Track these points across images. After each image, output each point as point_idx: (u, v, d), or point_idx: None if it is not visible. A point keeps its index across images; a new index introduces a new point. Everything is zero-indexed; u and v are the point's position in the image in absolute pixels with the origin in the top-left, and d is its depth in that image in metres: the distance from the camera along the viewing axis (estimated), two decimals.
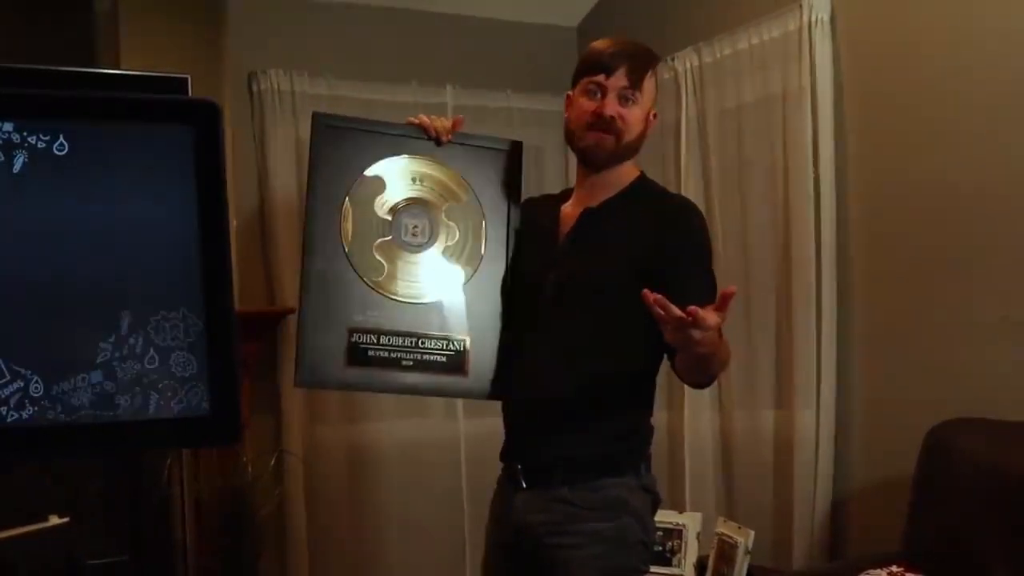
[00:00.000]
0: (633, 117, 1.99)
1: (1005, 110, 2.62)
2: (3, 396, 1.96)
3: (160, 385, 2.06)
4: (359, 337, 2.02)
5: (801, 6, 3.11)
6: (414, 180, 2.12)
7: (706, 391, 3.54)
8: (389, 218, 2.09)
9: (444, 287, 2.09)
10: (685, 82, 3.63)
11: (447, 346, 2.06)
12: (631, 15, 4.01)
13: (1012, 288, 2.61)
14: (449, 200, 2.13)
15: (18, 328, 1.98)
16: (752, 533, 3.03)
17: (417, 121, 2.11)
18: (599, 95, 1.98)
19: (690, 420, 3.59)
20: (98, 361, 2.02)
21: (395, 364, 2.04)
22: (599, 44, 2.03)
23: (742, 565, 3.01)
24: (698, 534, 3.26)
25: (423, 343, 2.05)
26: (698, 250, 1.97)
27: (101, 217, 2.03)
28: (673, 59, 3.67)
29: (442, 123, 2.12)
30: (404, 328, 2.05)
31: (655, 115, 2.07)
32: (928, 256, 2.84)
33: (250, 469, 3.48)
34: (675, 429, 3.65)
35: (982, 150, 2.69)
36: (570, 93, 2.06)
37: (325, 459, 3.77)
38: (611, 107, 1.96)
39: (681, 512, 3.36)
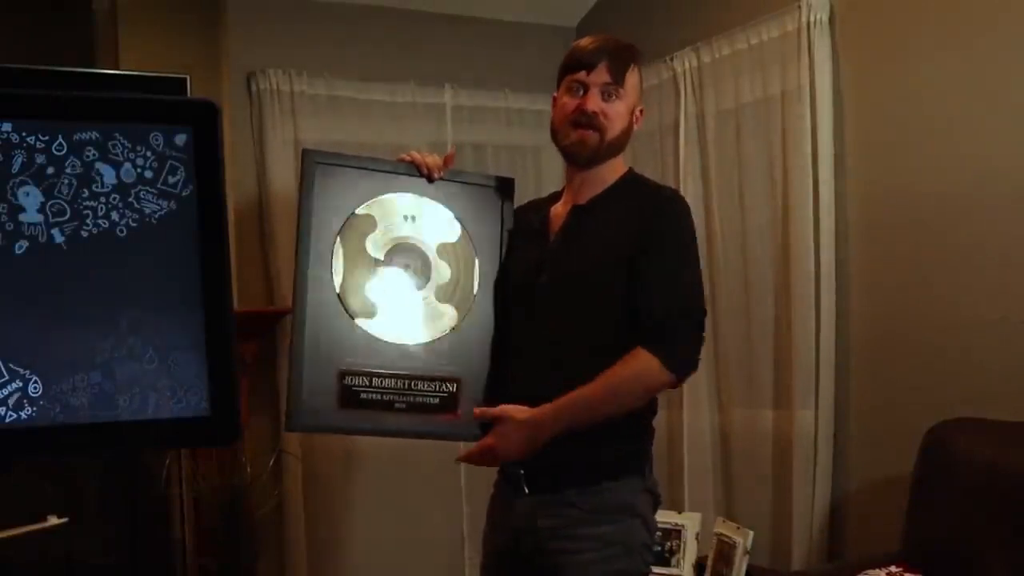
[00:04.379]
0: (616, 112, 1.99)
1: (1004, 109, 2.63)
2: (2, 396, 1.96)
3: (159, 385, 2.06)
4: (351, 380, 2.00)
5: (800, 6, 3.11)
6: (405, 218, 2.09)
7: (704, 391, 3.55)
8: (381, 257, 2.06)
9: (436, 328, 2.07)
10: (684, 82, 3.63)
11: (439, 388, 2.04)
12: (630, 15, 4.01)
13: (1012, 288, 2.61)
14: (441, 238, 2.10)
15: (17, 328, 1.98)
16: (751, 533, 3.03)
17: (408, 158, 2.10)
18: (581, 92, 1.98)
19: (689, 420, 3.59)
20: (97, 361, 2.02)
21: (387, 407, 2.01)
22: (581, 42, 2.04)
23: (741, 565, 3.01)
24: (697, 534, 3.26)
25: (415, 385, 2.03)
26: (674, 240, 1.94)
27: (99, 218, 2.03)
28: (672, 59, 3.67)
29: (434, 160, 2.11)
30: (396, 370, 2.02)
31: (641, 111, 2.07)
32: (927, 256, 2.85)
33: (249, 469, 3.48)
34: (674, 429, 3.65)
35: (981, 149, 2.69)
36: (555, 94, 2.06)
37: (324, 459, 3.77)
38: (593, 102, 1.97)
39: (680, 512, 3.36)
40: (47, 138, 2.00)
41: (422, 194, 2.11)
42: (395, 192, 2.09)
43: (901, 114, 2.92)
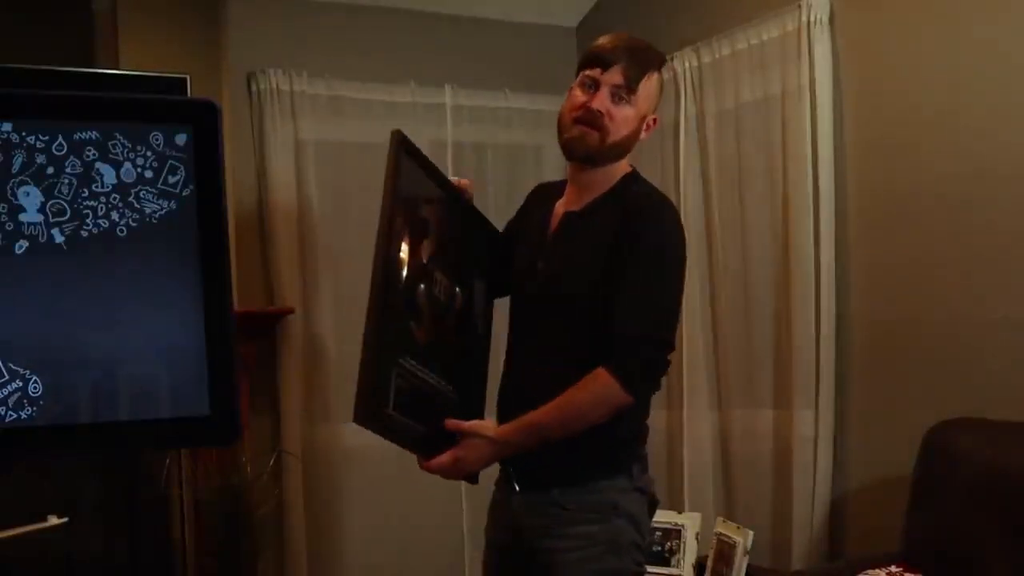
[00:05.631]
0: (623, 116, 1.93)
1: (1004, 110, 2.62)
2: (2, 396, 1.96)
3: (159, 385, 2.07)
4: (403, 382, 1.85)
5: (800, 6, 3.11)
6: (447, 237, 2.03)
7: (704, 391, 3.55)
8: (427, 265, 1.95)
9: (457, 352, 2.04)
10: (684, 82, 3.63)
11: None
12: (630, 15, 4.01)
13: (1012, 288, 2.61)
14: (464, 264, 2.08)
15: (17, 328, 1.98)
16: (751, 533, 3.03)
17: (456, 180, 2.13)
18: (592, 89, 1.93)
19: (689, 420, 3.59)
20: (97, 361, 2.02)
21: (427, 418, 1.92)
22: (603, 39, 1.98)
23: (741, 565, 3.01)
24: (697, 534, 3.25)
25: (441, 402, 1.97)
26: (652, 259, 1.88)
27: (99, 218, 2.03)
28: (672, 59, 3.67)
29: (466, 181, 2.15)
30: (432, 382, 1.95)
31: (655, 120, 2.01)
32: (928, 256, 2.85)
33: (249, 469, 3.48)
34: (674, 429, 3.65)
35: (981, 150, 2.69)
36: (571, 86, 2.01)
37: (324, 459, 3.77)
38: (600, 101, 1.91)
39: (680, 512, 3.36)
40: (47, 138, 2.00)
41: (459, 217, 2.10)
42: (444, 205, 2.05)
43: (901, 114, 2.92)
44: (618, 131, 1.94)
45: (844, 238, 3.09)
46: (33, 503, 2.85)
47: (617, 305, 1.85)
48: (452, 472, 1.92)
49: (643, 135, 2.01)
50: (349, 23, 3.90)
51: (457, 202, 2.11)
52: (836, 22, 3.10)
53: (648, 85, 1.96)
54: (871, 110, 3.02)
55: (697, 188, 3.58)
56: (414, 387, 1.88)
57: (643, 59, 1.95)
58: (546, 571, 1.92)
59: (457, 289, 2.04)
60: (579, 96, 1.95)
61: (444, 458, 1.90)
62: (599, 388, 1.84)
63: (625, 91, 1.93)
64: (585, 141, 1.94)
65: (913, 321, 2.89)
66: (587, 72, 1.95)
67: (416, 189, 1.96)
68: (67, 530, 2.77)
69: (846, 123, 3.09)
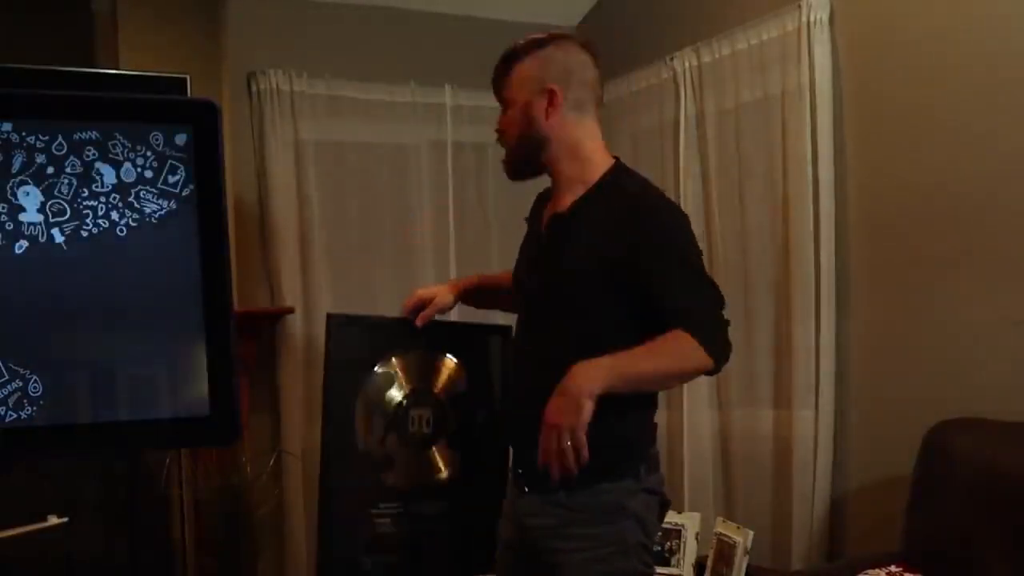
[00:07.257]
0: (507, 121, 2.04)
1: (1004, 110, 2.62)
2: (2, 396, 1.96)
3: (159, 385, 2.07)
4: (379, 526, 2.04)
5: (800, 6, 3.11)
6: (421, 371, 2.13)
7: (704, 391, 3.55)
8: (398, 412, 2.09)
9: (449, 475, 2.12)
10: (684, 82, 3.63)
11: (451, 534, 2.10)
12: (630, 15, 4.01)
13: (1012, 288, 2.61)
14: (456, 389, 2.14)
15: (17, 328, 1.98)
16: (751, 533, 3.03)
17: (408, 308, 2.14)
18: None
19: (689, 420, 3.59)
20: (97, 361, 2.02)
21: (416, 549, 2.07)
22: None
23: (741, 565, 3.01)
24: (697, 534, 3.26)
25: (428, 531, 2.08)
26: (676, 251, 1.90)
27: (99, 217, 2.03)
28: (672, 59, 3.67)
29: (425, 303, 2.15)
30: (414, 515, 2.07)
31: (550, 90, 1.95)
32: (928, 255, 2.84)
33: (249, 469, 3.48)
34: (674, 429, 3.65)
35: (981, 150, 2.69)
36: None
37: None
38: (497, 124, 2.06)
39: (680, 512, 3.36)
40: (47, 138, 2.00)
41: (433, 345, 2.16)
42: (409, 348, 2.14)
43: (901, 114, 2.92)
44: (511, 133, 2.04)
45: (844, 238, 3.09)
46: (33, 503, 2.85)
47: (664, 293, 1.84)
48: (567, 408, 1.76)
49: (550, 111, 1.97)
50: (349, 23, 3.90)
51: (420, 333, 2.14)
52: (836, 22, 3.09)
53: (513, 80, 2.04)
54: (871, 110, 3.02)
55: (697, 188, 3.58)
56: (389, 529, 2.07)
57: (500, 67, 2.07)
58: (552, 571, 1.92)
59: (443, 408, 2.16)
60: None
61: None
62: (687, 346, 1.80)
63: (502, 102, 2.06)
64: (507, 162, 2.07)
65: (913, 321, 2.89)
66: None
67: (362, 352, 2.12)
68: (67, 530, 2.77)
69: (846, 123, 3.09)
